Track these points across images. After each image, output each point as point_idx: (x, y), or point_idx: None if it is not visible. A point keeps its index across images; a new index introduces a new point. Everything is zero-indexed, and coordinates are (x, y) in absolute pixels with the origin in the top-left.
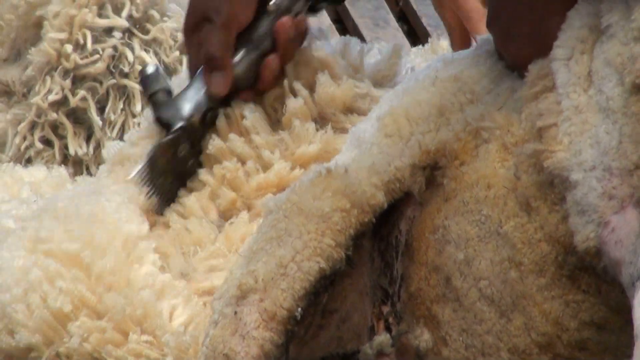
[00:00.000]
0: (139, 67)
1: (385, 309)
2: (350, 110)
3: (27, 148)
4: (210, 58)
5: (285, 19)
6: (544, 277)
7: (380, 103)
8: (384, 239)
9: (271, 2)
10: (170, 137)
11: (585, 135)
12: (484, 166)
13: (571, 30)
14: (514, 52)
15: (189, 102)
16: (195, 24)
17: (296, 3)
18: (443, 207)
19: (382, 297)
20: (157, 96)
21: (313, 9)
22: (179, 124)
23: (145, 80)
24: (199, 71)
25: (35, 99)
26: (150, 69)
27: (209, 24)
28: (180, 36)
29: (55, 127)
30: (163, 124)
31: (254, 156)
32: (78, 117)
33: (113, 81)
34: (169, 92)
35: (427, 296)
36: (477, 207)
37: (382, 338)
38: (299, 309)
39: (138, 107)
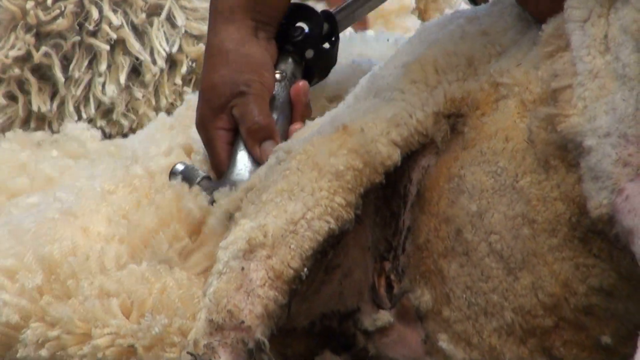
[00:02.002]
0: (106, 27)
1: (387, 265)
2: None
3: None
4: (258, 129)
5: (301, 84)
6: (556, 237)
7: (398, 52)
8: (390, 186)
9: (276, 71)
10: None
11: (600, 101)
12: (503, 119)
13: None
14: (533, 9)
15: (242, 177)
16: (222, 104)
17: (296, 69)
18: (460, 155)
19: (384, 252)
20: (203, 184)
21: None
22: None
23: (183, 177)
24: (238, 147)
25: None
26: (180, 167)
27: (242, 98)
28: None
29: (21, 83)
30: None
31: None
32: (44, 74)
33: (77, 38)
34: (209, 177)
35: (435, 249)
36: (494, 159)
37: (384, 318)
38: (305, 269)
39: (103, 66)
